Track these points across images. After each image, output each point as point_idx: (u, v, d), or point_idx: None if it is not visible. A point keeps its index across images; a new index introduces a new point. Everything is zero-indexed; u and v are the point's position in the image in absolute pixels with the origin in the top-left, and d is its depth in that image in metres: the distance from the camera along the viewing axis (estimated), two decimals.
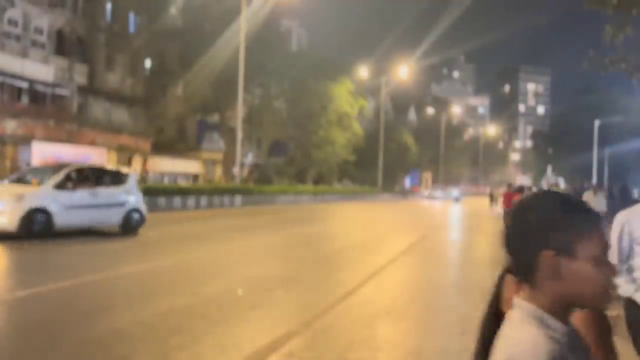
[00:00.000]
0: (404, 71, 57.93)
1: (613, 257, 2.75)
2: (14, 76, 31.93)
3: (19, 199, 10.58)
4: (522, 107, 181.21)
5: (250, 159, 52.38)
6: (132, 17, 42.59)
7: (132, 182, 13.30)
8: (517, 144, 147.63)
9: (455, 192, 52.70)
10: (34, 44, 34.53)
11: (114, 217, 12.32)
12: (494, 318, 1.21)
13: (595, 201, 14.36)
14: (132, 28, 42.81)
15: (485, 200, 38.19)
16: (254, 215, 21.58)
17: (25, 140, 31.07)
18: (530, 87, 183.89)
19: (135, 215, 12.81)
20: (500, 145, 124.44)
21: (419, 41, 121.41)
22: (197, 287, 7.00)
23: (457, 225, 23.47)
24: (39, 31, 34.87)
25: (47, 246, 10.20)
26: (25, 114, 32.36)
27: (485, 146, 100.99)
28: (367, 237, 15.19)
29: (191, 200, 23.42)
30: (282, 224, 18.63)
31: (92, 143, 36.03)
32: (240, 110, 32.12)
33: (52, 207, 10.94)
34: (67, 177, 11.52)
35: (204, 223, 17.17)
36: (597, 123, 49.98)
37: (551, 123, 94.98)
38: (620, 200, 17.17)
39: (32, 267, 8.13)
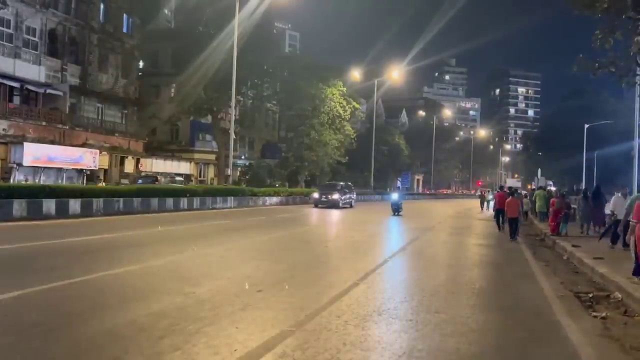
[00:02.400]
0: (396, 74, 58.14)
1: None
2: (5, 76, 31.74)
3: None
4: (512, 110, 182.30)
5: (242, 160, 52.33)
6: (125, 18, 42.42)
7: None
8: (507, 146, 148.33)
9: (395, 195, 29.32)
10: (26, 44, 34.32)
11: None
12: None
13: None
14: (125, 29, 42.64)
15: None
16: (246, 216, 21.58)
17: (17, 140, 30.88)
18: (521, 90, 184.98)
19: None
20: (491, 147, 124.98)
21: (410, 45, 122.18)
22: (190, 288, 7.02)
23: None
24: (31, 31, 34.66)
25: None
26: (17, 114, 32.18)
27: (475, 149, 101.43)
28: (360, 237, 15.23)
29: (183, 202, 23.36)
30: (275, 224, 18.65)
31: (84, 144, 35.87)
32: (233, 112, 32.08)
33: None
34: None
35: (196, 224, 17.14)
36: (586, 126, 50.44)
37: (541, 126, 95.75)
38: (592, 201, 17.81)
39: (24, 267, 8.10)
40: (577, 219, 18.79)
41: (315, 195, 33.10)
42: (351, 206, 33.92)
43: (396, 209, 26.65)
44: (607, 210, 14.79)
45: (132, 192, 20.97)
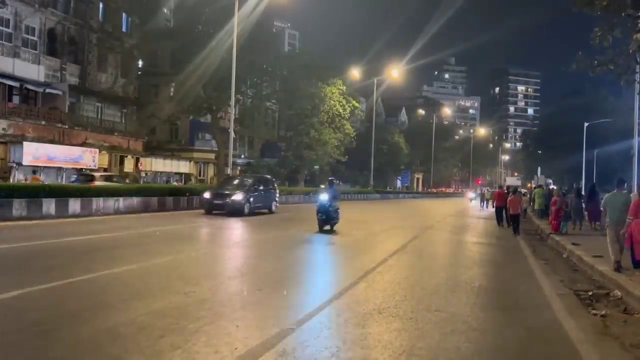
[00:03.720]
0: (396, 73, 58.10)
1: None
2: (4, 75, 31.73)
3: None
4: (512, 109, 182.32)
5: (242, 159, 52.35)
6: (124, 17, 42.39)
7: None
8: (507, 145, 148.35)
9: (324, 196, 15.88)
10: (25, 43, 34.32)
11: None
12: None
13: None
14: (124, 28, 42.63)
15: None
16: (245, 215, 21.55)
17: (16, 140, 30.88)
18: (520, 88, 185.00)
19: None
20: (490, 146, 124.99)
21: (410, 43, 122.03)
22: (189, 287, 7.01)
23: None
24: (30, 31, 34.66)
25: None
26: (16, 114, 32.18)
27: (475, 147, 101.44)
28: (359, 236, 15.23)
29: (183, 200, 23.31)
30: (274, 223, 18.63)
31: (84, 143, 35.87)
32: (232, 111, 32.05)
33: None
34: None
35: (196, 223, 17.13)
36: (585, 124, 50.43)
37: (540, 124, 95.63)
38: (588, 199, 18.87)
39: (24, 267, 8.11)
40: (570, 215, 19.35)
41: (206, 195, 21.33)
42: (270, 211, 23.07)
43: (325, 220, 15.61)
44: None
45: (132, 191, 20.94)
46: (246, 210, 20.74)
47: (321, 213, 15.59)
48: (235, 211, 20.19)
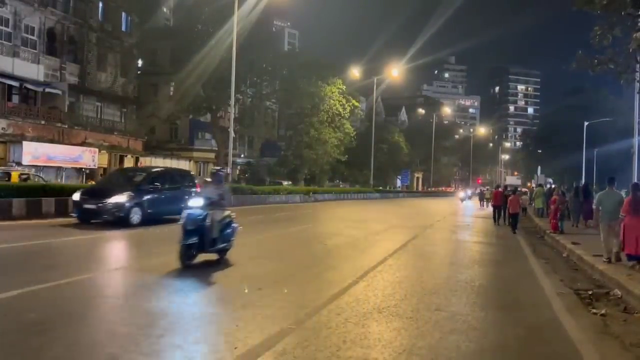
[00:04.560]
0: (396, 72, 58.07)
1: None
2: (4, 75, 31.71)
3: None
4: (512, 108, 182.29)
5: (242, 158, 52.35)
6: (124, 16, 42.38)
7: None
8: (507, 144, 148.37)
9: (199, 200, 8.62)
10: (25, 42, 34.30)
11: None
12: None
13: None
14: (124, 27, 42.61)
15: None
16: (245, 214, 21.54)
17: (16, 139, 30.87)
18: (520, 87, 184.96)
19: None
20: (490, 145, 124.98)
21: (410, 43, 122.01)
22: (189, 286, 7.01)
23: None
24: (30, 30, 34.65)
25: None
26: (16, 113, 32.16)
27: (475, 146, 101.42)
28: (359, 235, 15.22)
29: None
30: (274, 223, 18.63)
31: (84, 143, 35.86)
32: (232, 110, 32.06)
33: None
34: None
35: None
36: (585, 124, 50.44)
37: (541, 124, 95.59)
38: (583, 197, 19.46)
39: (23, 266, 8.10)
40: (568, 214, 19.70)
41: (76, 196, 14.74)
42: None
43: (198, 245, 8.42)
44: None
45: None
46: (135, 218, 14.33)
47: (189, 233, 8.36)
48: (118, 220, 13.87)
